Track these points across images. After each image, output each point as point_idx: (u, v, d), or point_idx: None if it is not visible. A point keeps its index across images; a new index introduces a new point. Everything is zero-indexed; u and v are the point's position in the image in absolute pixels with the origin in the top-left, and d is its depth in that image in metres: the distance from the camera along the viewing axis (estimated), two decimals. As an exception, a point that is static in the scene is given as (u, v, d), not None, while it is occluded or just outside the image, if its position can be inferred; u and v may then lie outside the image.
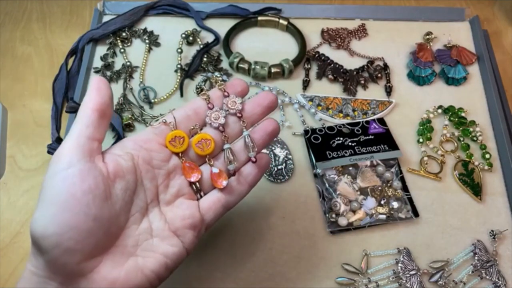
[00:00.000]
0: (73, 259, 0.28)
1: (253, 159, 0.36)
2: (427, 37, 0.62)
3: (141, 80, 0.58)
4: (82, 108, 0.32)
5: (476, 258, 0.47)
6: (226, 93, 0.37)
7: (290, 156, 0.53)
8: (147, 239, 0.33)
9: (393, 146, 0.53)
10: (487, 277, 0.46)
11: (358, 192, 0.50)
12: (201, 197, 0.36)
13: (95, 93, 0.33)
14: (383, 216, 0.48)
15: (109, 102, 0.33)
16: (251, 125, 0.37)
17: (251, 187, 0.37)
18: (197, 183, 0.35)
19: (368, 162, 0.51)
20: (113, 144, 0.51)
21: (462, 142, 0.54)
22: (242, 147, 0.37)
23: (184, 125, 0.35)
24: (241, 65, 0.59)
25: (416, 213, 0.49)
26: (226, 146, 0.36)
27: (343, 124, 0.54)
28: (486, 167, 0.52)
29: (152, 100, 0.57)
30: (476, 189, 0.51)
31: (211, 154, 0.36)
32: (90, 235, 0.29)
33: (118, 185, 0.31)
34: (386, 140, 0.53)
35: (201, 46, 0.60)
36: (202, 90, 0.36)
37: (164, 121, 0.35)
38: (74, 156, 0.30)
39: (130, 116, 0.55)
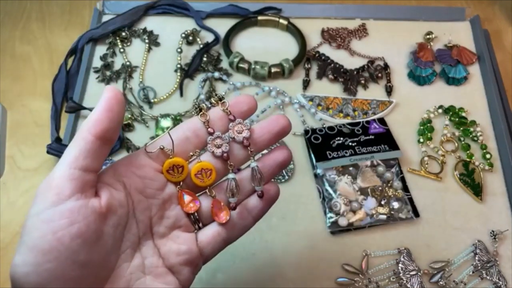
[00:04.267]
0: None
1: (259, 193, 0.31)
2: (428, 36, 0.62)
3: (140, 80, 0.58)
4: (82, 130, 0.27)
5: (476, 258, 0.46)
6: (232, 117, 0.31)
7: (290, 156, 0.52)
8: (139, 278, 0.29)
9: (394, 146, 0.52)
10: (488, 277, 0.46)
11: (359, 192, 0.50)
12: (199, 228, 0.32)
13: (103, 115, 0.27)
14: (384, 216, 0.48)
15: (117, 127, 0.27)
16: (257, 152, 0.33)
17: (256, 221, 0.33)
18: (195, 214, 0.31)
19: (368, 162, 0.51)
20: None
21: (463, 142, 0.54)
22: (249, 177, 0.32)
23: (182, 148, 0.31)
24: (241, 65, 0.58)
25: (416, 213, 0.49)
26: (230, 176, 0.31)
27: (343, 124, 0.54)
28: (486, 167, 0.52)
29: (152, 100, 0.57)
30: (476, 189, 0.51)
31: (211, 185, 0.32)
32: (77, 283, 0.25)
33: (109, 222, 0.27)
34: (387, 140, 0.53)
35: (201, 46, 0.60)
36: (201, 110, 0.32)
37: (162, 147, 0.30)
38: (64, 191, 0.25)
39: (129, 116, 0.55)
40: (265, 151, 0.33)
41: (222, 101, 0.32)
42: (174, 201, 0.31)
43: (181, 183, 0.31)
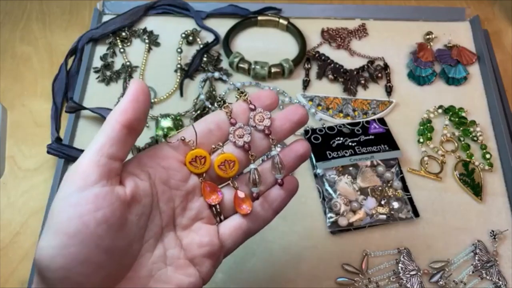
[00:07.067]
0: None
1: (280, 181, 0.32)
2: (427, 37, 0.62)
3: (141, 80, 0.58)
4: (110, 119, 0.28)
5: (476, 258, 0.47)
6: (252, 106, 0.32)
7: (290, 156, 0.52)
8: (161, 269, 0.29)
9: (393, 146, 0.52)
10: (488, 277, 0.46)
11: (358, 192, 0.50)
12: (220, 221, 0.32)
13: (129, 105, 0.28)
14: (384, 216, 0.48)
15: (143, 117, 0.28)
16: (278, 142, 0.33)
17: (276, 213, 0.33)
18: (217, 206, 0.32)
19: (368, 162, 0.51)
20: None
21: (463, 142, 0.54)
22: (269, 168, 0.32)
23: (205, 140, 0.31)
24: (241, 65, 0.58)
25: (416, 213, 0.49)
26: (252, 166, 0.32)
27: (343, 124, 0.54)
28: (486, 167, 0.52)
29: (152, 100, 0.57)
30: (476, 189, 0.51)
31: (234, 176, 0.32)
32: (101, 268, 0.26)
33: (134, 211, 0.28)
34: (386, 140, 0.53)
35: (201, 46, 0.60)
36: (224, 102, 0.32)
37: (182, 138, 0.31)
38: (91, 177, 0.26)
39: (130, 116, 0.54)
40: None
41: (244, 93, 0.32)
42: (197, 193, 0.31)
43: (204, 174, 0.32)
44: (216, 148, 0.32)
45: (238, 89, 0.31)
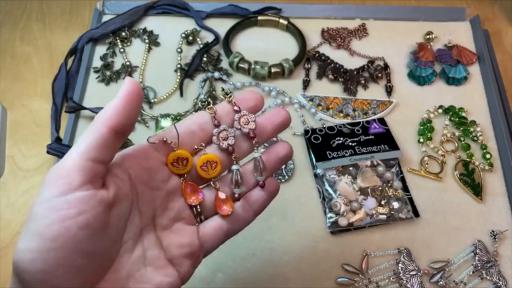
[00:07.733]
0: None
1: (261, 183, 0.32)
2: (428, 36, 0.62)
3: (140, 80, 0.58)
4: (98, 121, 0.27)
5: (476, 258, 0.47)
6: (236, 108, 0.32)
7: (290, 156, 0.52)
8: (139, 269, 0.29)
9: (394, 146, 0.52)
10: (488, 277, 0.46)
11: (359, 192, 0.50)
12: (201, 221, 0.32)
13: (122, 109, 0.27)
14: (384, 216, 0.48)
15: (134, 121, 0.27)
16: (261, 144, 0.33)
17: (257, 214, 0.33)
18: (198, 206, 0.32)
19: (368, 162, 0.51)
20: None
21: (463, 142, 0.54)
22: (251, 169, 0.32)
23: (188, 140, 0.31)
24: (241, 65, 0.58)
25: (416, 213, 0.49)
26: (234, 167, 0.32)
27: (343, 124, 0.54)
28: (486, 167, 0.52)
29: (152, 100, 0.57)
30: (476, 189, 0.51)
31: (216, 177, 0.32)
32: (80, 272, 0.26)
33: (115, 213, 0.27)
34: (387, 140, 0.53)
35: (201, 46, 0.60)
36: (209, 103, 0.31)
37: (164, 139, 0.30)
38: (75, 181, 0.25)
39: (130, 116, 0.55)
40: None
41: (229, 94, 0.32)
42: (178, 193, 0.31)
43: (186, 175, 0.31)
44: (198, 149, 0.32)
45: (223, 90, 0.31)
